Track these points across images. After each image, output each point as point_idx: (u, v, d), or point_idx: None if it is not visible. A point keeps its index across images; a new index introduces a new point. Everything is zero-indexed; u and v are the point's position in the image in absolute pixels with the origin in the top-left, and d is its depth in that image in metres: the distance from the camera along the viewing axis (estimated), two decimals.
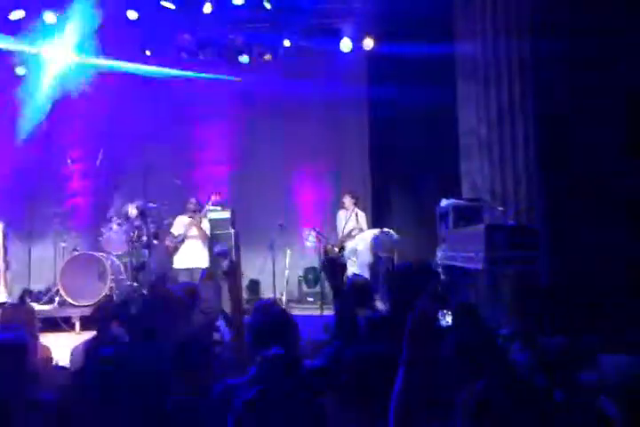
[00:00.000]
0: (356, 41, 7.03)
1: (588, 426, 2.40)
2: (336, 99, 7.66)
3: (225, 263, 3.02)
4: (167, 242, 6.72)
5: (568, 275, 3.53)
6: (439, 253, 5.75)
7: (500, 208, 5.17)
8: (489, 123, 5.64)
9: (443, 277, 5.73)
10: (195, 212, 6.68)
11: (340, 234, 7.27)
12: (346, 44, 6.95)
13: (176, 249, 6.59)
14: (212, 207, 7.16)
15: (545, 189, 5.17)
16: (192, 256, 6.62)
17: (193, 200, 6.78)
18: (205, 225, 6.72)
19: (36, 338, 3.03)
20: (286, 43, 7.05)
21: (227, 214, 7.06)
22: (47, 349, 3.12)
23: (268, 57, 7.00)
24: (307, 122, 7.74)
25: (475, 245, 4.53)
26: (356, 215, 7.11)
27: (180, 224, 6.77)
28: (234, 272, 3.00)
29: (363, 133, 7.90)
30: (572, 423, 2.21)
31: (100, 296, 6.35)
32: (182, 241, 6.57)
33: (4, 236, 6.49)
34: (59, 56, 6.77)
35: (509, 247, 4.33)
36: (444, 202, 5.77)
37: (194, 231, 6.65)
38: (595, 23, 3.45)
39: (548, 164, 5.26)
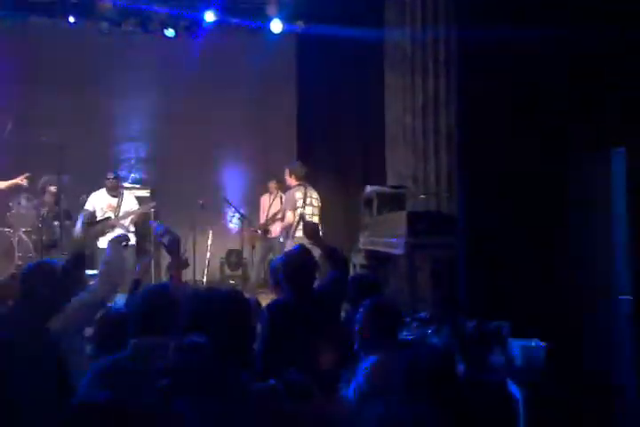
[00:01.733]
0: (288, 22, 6.93)
1: (492, 405, 2.53)
2: (264, 79, 7.54)
3: (166, 240, 2.88)
4: (86, 222, 6.18)
5: (483, 261, 3.68)
6: (362, 239, 5.84)
7: (422, 196, 5.30)
8: (414, 112, 5.72)
9: (364, 261, 5.84)
10: (116, 189, 6.29)
11: (264, 218, 7.22)
12: (276, 25, 6.83)
13: (104, 233, 6.11)
14: (129, 185, 6.87)
15: (464, 179, 5.34)
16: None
17: (111, 175, 6.33)
18: (132, 202, 6.35)
19: None
20: (212, 17, 6.83)
21: (146, 193, 6.80)
22: None
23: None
24: (234, 102, 7.58)
25: (396, 231, 4.63)
26: (281, 199, 7.07)
27: (96, 201, 6.35)
28: (177, 249, 2.89)
29: (291, 116, 7.84)
30: (479, 402, 2.32)
31: (7, 274, 5.99)
32: (114, 226, 6.11)
33: None
34: None
35: (429, 233, 4.45)
36: (368, 188, 5.85)
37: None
38: (524, 13, 3.57)
39: (468, 155, 5.43)
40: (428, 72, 5.68)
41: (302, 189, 5.96)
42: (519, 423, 2.62)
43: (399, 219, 4.61)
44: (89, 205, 6.27)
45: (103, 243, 5.99)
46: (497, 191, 4.27)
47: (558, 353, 2.96)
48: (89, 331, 2.69)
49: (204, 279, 7.06)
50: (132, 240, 6.11)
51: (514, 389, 2.75)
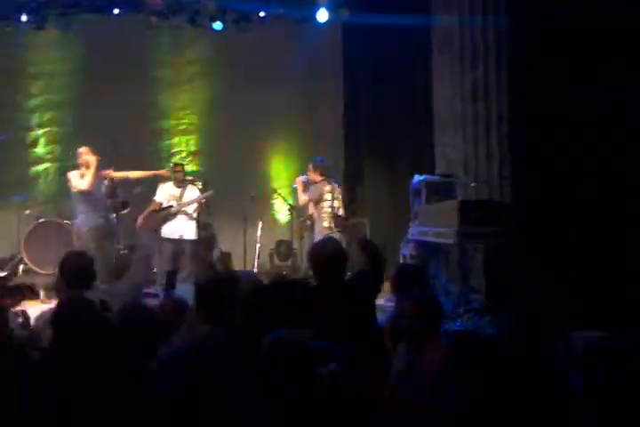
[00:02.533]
0: (332, 11, 6.87)
1: (555, 394, 2.47)
2: (310, 69, 7.53)
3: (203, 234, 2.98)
4: (152, 209, 6.35)
5: (540, 251, 3.59)
6: (411, 229, 5.78)
7: (473, 184, 5.20)
8: (463, 97, 5.60)
9: (414, 252, 5.78)
10: (182, 181, 6.44)
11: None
12: (322, 14, 6.79)
13: (165, 220, 6.30)
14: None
15: (517, 165, 5.20)
16: (180, 227, 6.27)
17: (178, 167, 6.45)
18: (195, 192, 6.49)
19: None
20: (260, 11, 6.85)
21: (199, 185, 6.92)
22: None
23: None
24: (280, 92, 7.59)
25: (447, 220, 4.56)
26: None
27: (162, 192, 6.48)
28: (208, 242, 2.96)
29: (337, 105, 7.80)
30: (542, 391, 2.27)
31: None
32: (175, 214, 6.29)
33: None
34: None
35: (481, 222, 4.37)
36: (416, 178, 5.77)
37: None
38: None
39: (521, 140, 5.28)
40: (477, 55, 5.53)
41: (327, 184, 5.92)
42: (580, 413, 2.55)
43: (450, 208, 4.54)
44: (156, 196, 6.43)
45: (165, 231, 6.19)
46: (552, 177, 4.14)
47: (620, 343, 2.86)
48: None
49: (255, 270, 7.15)
50: (194, 228, 6.28)
51: (576, 379, 2.68)
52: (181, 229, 6.24)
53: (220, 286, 2.12)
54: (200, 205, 6.44)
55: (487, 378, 2.12)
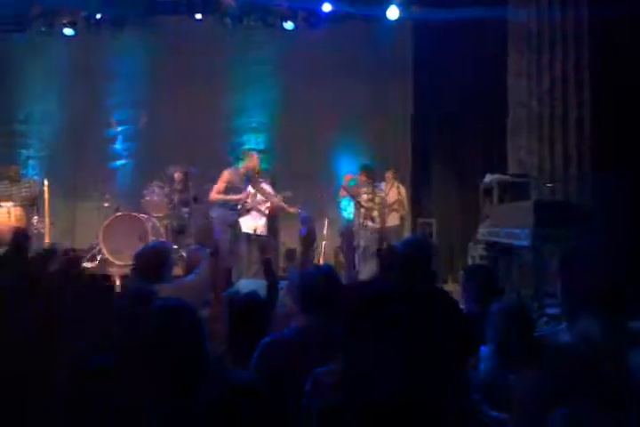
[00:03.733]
0: (403, 8, 6.81)
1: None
2: (380, 66, 7.50)
3: (303, 230, 3.02)
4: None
5: (618, 255, 3.43)
6: (481, 229, 5.66)
7: (549, 184, 5.03)
8: (540, 95, 5.43)
9: (484, 253, 5.66)
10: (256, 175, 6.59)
11: (377, 208, 7.22)
12: (393, 12, 6.74)
13: (240, 215, 6.48)
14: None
15: (596, 167, 5.01)
16: (252, 223, 6.46)
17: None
18: (268, 189, 6.64)
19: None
20: (329, 8, 6.87)
21: (267, 182, 7.05)
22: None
23: None
24: (350, 90, 7.61)
25: (521, 221, 4.43)
26: (398, 189, 7.04)
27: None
28: (309, 240, 2.99)
29: (406, 104, 7.74)
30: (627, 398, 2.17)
31: None
32: (249, 210, 6.47)
33: (50, 193, 6.63)
34: None
35: (558, 224, 4.22)
36: (488, 177, 5.65)
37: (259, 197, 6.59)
38: None
39: (601, 142, 5.07)
40: (555, 52, 5.35)
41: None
42: None
43: (524, 208, 4.41)
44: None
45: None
46: (635, 179, 3.96)
47: None
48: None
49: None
50: (263, 224, 6.43)
51: None
52: (254, 224, 6.39)
53: (323, 280, 2.17)
54: (273, 202, 6.54)
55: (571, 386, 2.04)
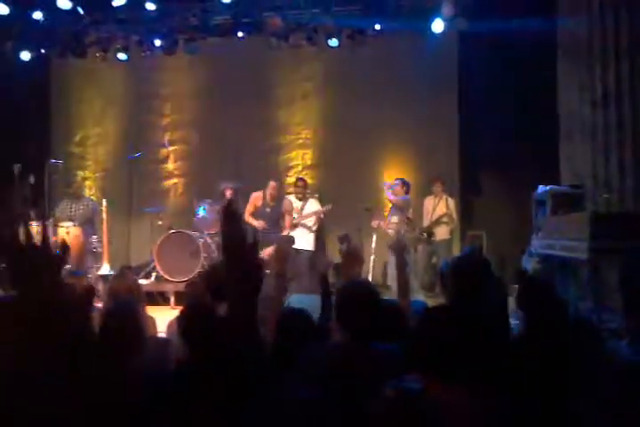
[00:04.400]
0: (448, 21, 6.78)
1: None
2: (426, 80, 7.47)
3: (343, 247, 3.01)
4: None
5: None
6: (535, 242, 5.53)
7: (605, 195, 4.88)
8: (593, 104, 5.30)
9: (538, 266, 5.52)
10: (304, 195, 6.78)
11: (428, 221, 7.16)
12: (438, 24, 6.73)
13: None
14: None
15: None
16: (299, 238, 6.60)
17: (299, 182, 6.93)
18: (315, 205, 6.77)
19: (143, 308, 3.19)
20: (376, 26, 6.92)
21: (314, 198, 7.13)
22: (152, 320, 3.26)
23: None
24: (396, 104, 7.61)
25: (577, 234, 4.31)
26: (446, 201, 6.97)
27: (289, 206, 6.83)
28: (351, 257, 2.96)
29: (453, 116, 7.67)
30: None
31: (194, 273, 6.62)
32: (295, 226, 6.64)
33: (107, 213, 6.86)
34: None
35: (616, 236, 4.08)
36: (541, 188, 5.53)
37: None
38: None
39: None
40: (608, 60, 5.23)
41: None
42: None
43: (580, 220, 4.29)
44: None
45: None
46: None
47: None
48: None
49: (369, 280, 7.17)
50: (312, 240, 6.53)
51: None
52: (300, 240, 6.46)
53: (363, 297, 2.15)
54: (319, 218, 6.65)
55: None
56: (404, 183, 6.68)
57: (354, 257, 2.97)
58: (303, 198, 6.75)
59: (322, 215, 6.69)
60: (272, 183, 6.67)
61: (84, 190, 7.53)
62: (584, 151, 5.35)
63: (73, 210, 6.81)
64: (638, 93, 5.10)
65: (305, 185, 6.88)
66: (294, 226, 6.55)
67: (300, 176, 7.28)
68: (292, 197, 6.79)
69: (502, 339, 2.57)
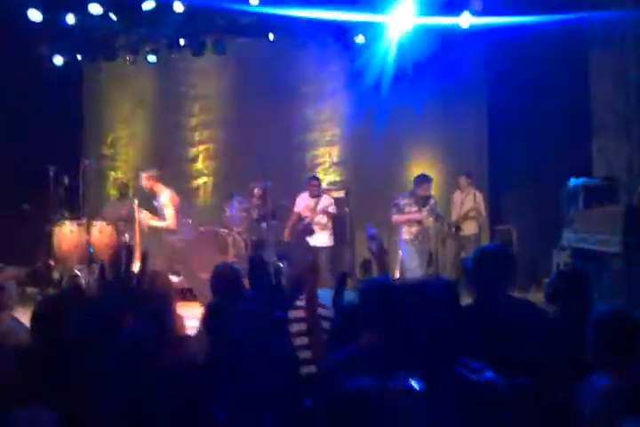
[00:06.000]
0: (476, 15, 6.73)
1: None
2: (453, 75, 7.44)
3: (374, 245, 3.01)
4: (290, 224, 6.87)
5: None
6: (567, 235, 5.48)
7: None
8: (628, 96, 5.22)
9: (570, 259, 5.46)
10: (316, 191, 6.85)
11: (456, 216, 7.13)
12: (465, 20, 6.67)
13: (303, 232, 6.76)
14: (327, 187, 7.35)
15: None
16: (315, 235, 6.72)
17: (313, 180, 6.95)
18: (328, 202, 6.83)
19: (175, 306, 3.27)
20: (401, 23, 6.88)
21: (341, 194, 7.17)
22: (181, 318, 3.33)
23: None
24: (422, 101, 7.59)
25: (611, 227, 4.26)
26: (474, 196, 6.93)
27: (299, 203, 6.93)
28: (382, 256, 2.97)
29: (481, 110, 7.63)
30: None
31: None
32: (310, 224, 6.74)
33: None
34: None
35: None
36: (573, 181, 5.47)
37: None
38: None
39: None
40: None
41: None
42: None
43: (615, 213, 4.25)
44: (295, 207, 6.92)
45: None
46: None
47: None
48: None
49: (397, 275, 7.17)
50: (327, 236, 6.60)
51: None
52: (315, 237, 6.59)
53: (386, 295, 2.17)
54: (330, 214, 6.72)
55: None
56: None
57: (382, 255, 2.98)
58: (317, 196, 6.83)
59: (330, 210, 6.75)
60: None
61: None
62: (618, 144, 5.28)
63: (117, 207, 7.00)
64: None
65: (319, 183, 6.96)
66: (309, 225, 6.68)
67: (313, 176, 7.31)
68: (305, 195, 6.89)
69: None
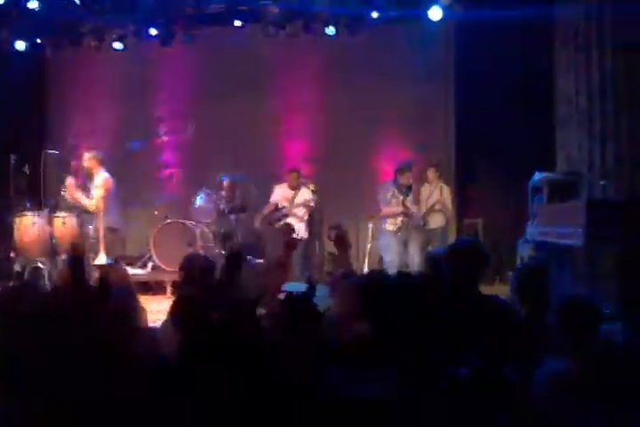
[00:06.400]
0: (446, 7, 6.77)
1: None
2: (422, 69, 7.48)
3: (332, 234, 3.05)
4: (265, 211, 6.81)
5: None
6: (530, 229, 5.57)
7: (602, 182, 4.92)
8: (590, 92, 5.32)
9: (533, 253, 5.56)
10: (294, 183, 6.80)
11: (423, 209, 7.18)
12: (435, 13, 6.71)
13: (279, 220, 6.71)
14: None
15: None
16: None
17: (291, 171, 6.93)
18: (306, 195, 6.80)
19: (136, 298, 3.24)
20: (373, 14, 6.89)
21: (312, 187, 7.14)
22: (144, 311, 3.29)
23: None
24: (393, 94, 7.62)
25: (573, 220, 4.34)
26: (441, 189, 6.99)
27: (277, 194, 6.87)
28: (342, 242, 3.01)
29: (449, 104, 7.69)
30: None
31: None
32: (286, 215, 6.69)
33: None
34: None
35: (612, 222, 4.11)
36: (537, 175, 5.56)
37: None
38: None
39: None
40: (606, 47, 5.24)
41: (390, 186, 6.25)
42: None
43: (577, 207, 4.32)
44: (272, 198, 6.86)
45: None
46: None
47: None
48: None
49: (365, 269, 7.21)
50: (304, 229, 6.58)
51: None
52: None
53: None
54: (309, 207, 6.69)
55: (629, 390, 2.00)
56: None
57: (342, 242, 3.02)
58: (296, 188, 6.79)
59: (311, 204, 6.73)
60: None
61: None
62: (580, 139, 5.38)
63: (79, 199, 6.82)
64: (635, 81, 5.11)
65: (298, 175, 6.90)
66: (284, 215, 6.63)
67: (294, 166, 7.28)
68: (284, 187, 6.83)
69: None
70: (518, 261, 5.79)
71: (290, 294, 2.29)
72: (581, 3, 5.35)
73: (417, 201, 6.35)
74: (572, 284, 4.70)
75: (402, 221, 6.11)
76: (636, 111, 5.00)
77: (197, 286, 3.11)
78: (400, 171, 6.17)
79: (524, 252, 5.76)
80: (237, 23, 7.02)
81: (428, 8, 6.72)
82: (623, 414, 1.76)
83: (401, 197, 6.10)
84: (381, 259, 6.61)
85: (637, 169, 5.06)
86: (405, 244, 6.22)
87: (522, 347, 2.39)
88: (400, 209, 6.10)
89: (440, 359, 1.97)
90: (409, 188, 6.17)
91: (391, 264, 5.97)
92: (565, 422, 1.88)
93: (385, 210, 6.15)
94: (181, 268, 3.35)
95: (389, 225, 6.09)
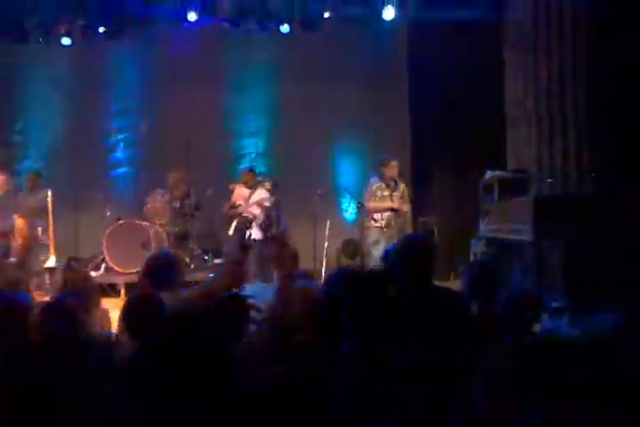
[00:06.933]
0: (399, 7, 6.84)
1: None
2: (377, 68, 7.54)
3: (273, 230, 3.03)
4: (224, 210, 6.72)
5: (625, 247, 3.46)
6: (482, 226, 5.69)
7: (549, 180, 5.06)
8: (538, 93, 5.46)
9: (485, 249, 5.68)
10: (250, 181, 6.75)
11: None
12: (389, 12, 6.78)
13: (232, 218, 6.64)
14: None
15: (596, 162, 5.04)
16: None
17: (246, 170, 6.90)
18: (262, 193, 6.74)
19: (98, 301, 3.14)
20: (326, 13, 6.92)
21: (268, 185, 7.10)
22: (106, 312, 3.20)
23: None
24: (347, 93, 7.65)
25: (522, 217, 4.46)
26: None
27: (236, 193, 6.81)
28: (280, 239, 3.00)
29: (403, 103, 7.77)
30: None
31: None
32: (240, 214, 6.64)
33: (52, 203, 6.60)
34: None
35: (559, 218, 4.24)
36: (488, 174, 5.68)
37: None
38: None
39: (599, 137, 5.09)
40: (552, 49, 5.39)
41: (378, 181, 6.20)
42: None
43: (525, 204, 4.44)
44: (233, 196, 6.81)
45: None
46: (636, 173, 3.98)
47: None
48: None
49: (323, 268, 7.22)
50: (258, 230, 6.53)
51: None
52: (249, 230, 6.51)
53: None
54: (264, 207, 6.65)
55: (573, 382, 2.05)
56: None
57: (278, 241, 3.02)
58: (252, 187, 6.73)
59: (266, 204, 6.68)
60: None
61: (41, 182, 7.09)
62: (529, 138, 5.52)
63: (29, 201, 6.56)
64: (580, 82, 5.28)
65: (254, 174, 6.85)
66: (238, 214, 6.59)
67: (250, 165, 7.24)
68: (242, 186, 6.78)
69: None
70: (471, 258, 5.90)
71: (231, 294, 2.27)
72: (530, 4, 5.48)
73: (402, 194, 6.32)
74: (521, 278, 4.82)
75: (390, 216, 6.06)
76: (583, 112, 5.16)
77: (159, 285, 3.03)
78: (384, 163, 6.10)
79: (477, 248, 5.88)
80: (192, 17, 6.87)
81: (382, 8, 6.79)
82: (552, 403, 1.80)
83: (387, 193, 6.05)
84: (370, 254, 6.60)
85: (583, 167, 5.22)
86: (389, 239, 6.22)
87: (474, 334, 2.45)
88: (387, 204, 6.07)
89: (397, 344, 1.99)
90: (395, 182, 6.13)
91: (375, 260, 5.95)
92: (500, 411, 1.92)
93: (372, 205, 6.11)
94: (146, 268, 3.24)
95: (376, 222, 6.04)
